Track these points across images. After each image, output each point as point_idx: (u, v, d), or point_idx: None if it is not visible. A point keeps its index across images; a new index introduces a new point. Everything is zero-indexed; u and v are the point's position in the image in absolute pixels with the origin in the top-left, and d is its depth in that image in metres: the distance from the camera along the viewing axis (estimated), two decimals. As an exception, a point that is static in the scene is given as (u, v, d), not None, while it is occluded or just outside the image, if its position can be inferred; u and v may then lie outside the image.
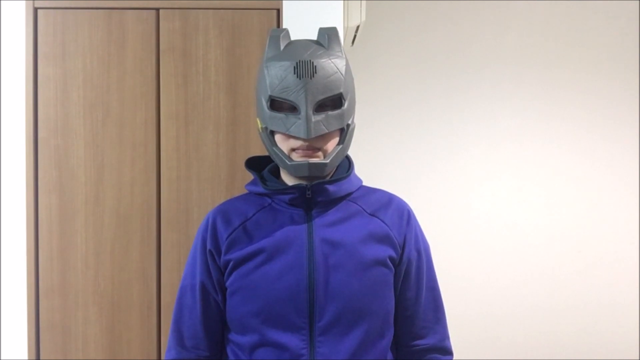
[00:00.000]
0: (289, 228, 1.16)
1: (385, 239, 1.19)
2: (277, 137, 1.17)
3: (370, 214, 1.21)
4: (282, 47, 1.17)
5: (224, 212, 1.24)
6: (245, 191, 1.30)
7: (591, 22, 3.03)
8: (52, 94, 1.81)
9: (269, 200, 1.21)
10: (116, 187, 1.81)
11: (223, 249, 1.19)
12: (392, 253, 1.19)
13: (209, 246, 1.22)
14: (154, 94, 1.82)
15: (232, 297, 1.19)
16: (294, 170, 1.15)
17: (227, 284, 1.20)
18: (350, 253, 1.15)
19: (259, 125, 1.21)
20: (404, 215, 1.23)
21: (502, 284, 3.03)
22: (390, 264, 1.19)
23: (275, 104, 1.16)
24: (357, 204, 1.22)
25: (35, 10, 1.81)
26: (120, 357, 1.82)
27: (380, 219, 1.21)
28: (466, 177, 3.02)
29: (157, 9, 1.81)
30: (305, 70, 1.12)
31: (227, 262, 1.19)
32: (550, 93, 3.03)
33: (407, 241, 1.22)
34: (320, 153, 1.15)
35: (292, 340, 1.12)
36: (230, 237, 1.19)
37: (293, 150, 1.15)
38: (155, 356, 1.82)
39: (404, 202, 1.27)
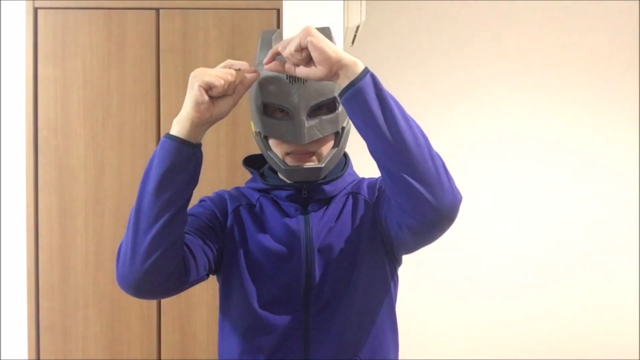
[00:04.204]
0: (287, 222, 1.17)
1: (368, 208, 1.18)
2: (271, 141, 1.16)
3: (355, 193, 1.20)
4: None
5: (231, 192, 1.24)
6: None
7: (591, 22, 3.03)
8: (52, 94, 1.81)
9: (270, 195, 1.22)
10: (116, 187, 1.81)
11: (228, 220, 1.18)
12: (372, 214, 1.18)
13: (215, 208, 1.19)
14: (154, 94, 1.82)
15: (227, 284, 1.19)
16: (288, 175, 1.15)
17: (222, 269, 1.19)
18: (347, 245, 1.16)
19: (253, 130, 1.20)
20: (370, 183, 1.23)
21: (501, 284, 3.03)
22: (378, 230, 1.17)
23: (268, 109, 1.15)
24: (351, 195, 1.22)
25: (35, 10, 1.80)
26: (120, 357, 1.82)
27: (361, 194, 1.20)
28: (466, 177, 3.01)
29: (157, 9, 1.81)
30: None
31: (228, 237, 1.17)
32: (551, 93, 3.03)
33: (377, 194, 1.20)
34: (314, 157, 1.15)
35: (287, 329, 1.13)
36: (235, 212, 1.18)
37: (287, 154, 1.15)
38: (155, 356, 1.82)
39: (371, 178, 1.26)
